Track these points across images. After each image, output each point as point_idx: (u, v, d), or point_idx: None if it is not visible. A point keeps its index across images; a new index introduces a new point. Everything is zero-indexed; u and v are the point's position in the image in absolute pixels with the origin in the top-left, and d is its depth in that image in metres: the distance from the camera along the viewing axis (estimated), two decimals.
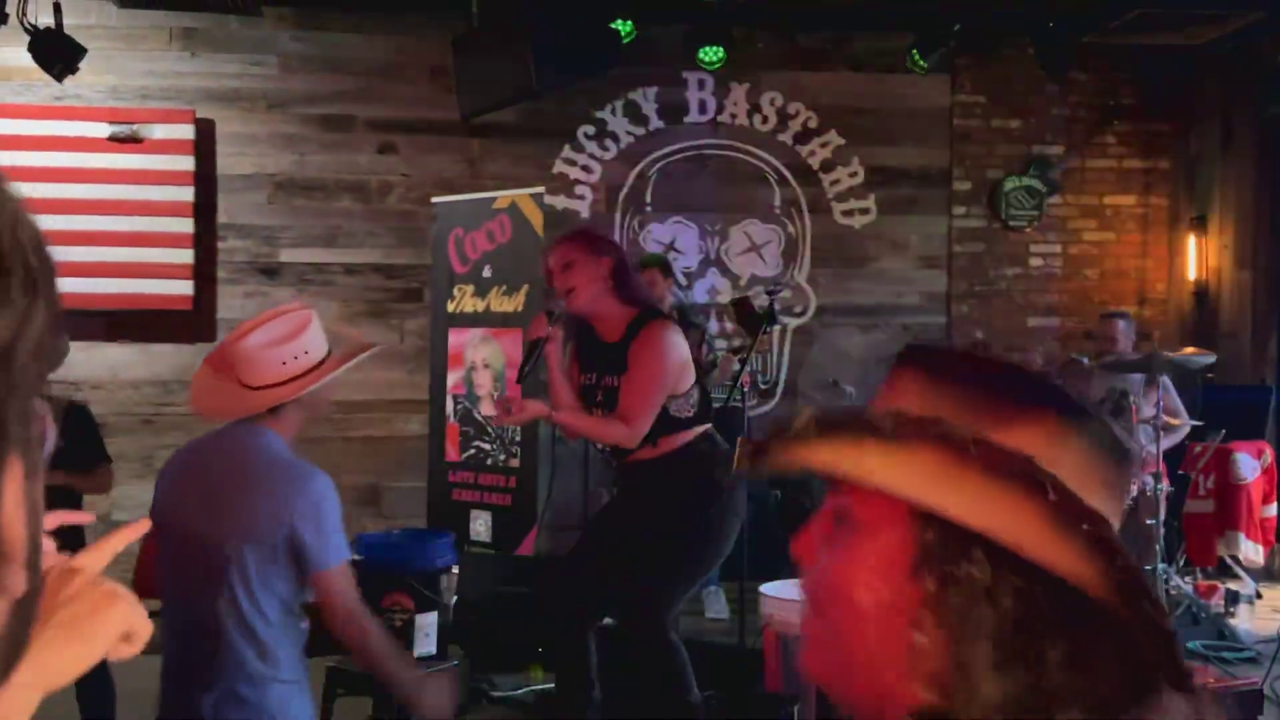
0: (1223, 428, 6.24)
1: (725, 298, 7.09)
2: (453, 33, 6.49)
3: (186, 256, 6.68)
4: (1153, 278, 7.73)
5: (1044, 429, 0.81)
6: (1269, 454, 6.36)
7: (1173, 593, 5.66)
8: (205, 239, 6.81)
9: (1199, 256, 7.41)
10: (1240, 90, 7.17)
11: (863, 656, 0.85)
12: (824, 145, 7.40)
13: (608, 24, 6.09)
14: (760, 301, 5.34)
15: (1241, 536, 6.20)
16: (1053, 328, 7.60)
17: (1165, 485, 5.72)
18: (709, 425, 3.83)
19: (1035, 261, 7.60)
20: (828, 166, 7.41)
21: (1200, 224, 7.41)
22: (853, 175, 7.43)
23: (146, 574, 2.70)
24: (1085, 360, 6.73)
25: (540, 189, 6.29)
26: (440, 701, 2.62)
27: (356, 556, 4.19)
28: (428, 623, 4.09)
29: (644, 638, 3.68)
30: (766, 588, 3.78)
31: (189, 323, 6.79)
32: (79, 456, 4.79)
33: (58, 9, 5.86)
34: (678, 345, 3.72)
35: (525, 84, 5.78)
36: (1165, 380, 5.83)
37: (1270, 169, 7.00)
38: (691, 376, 3.77)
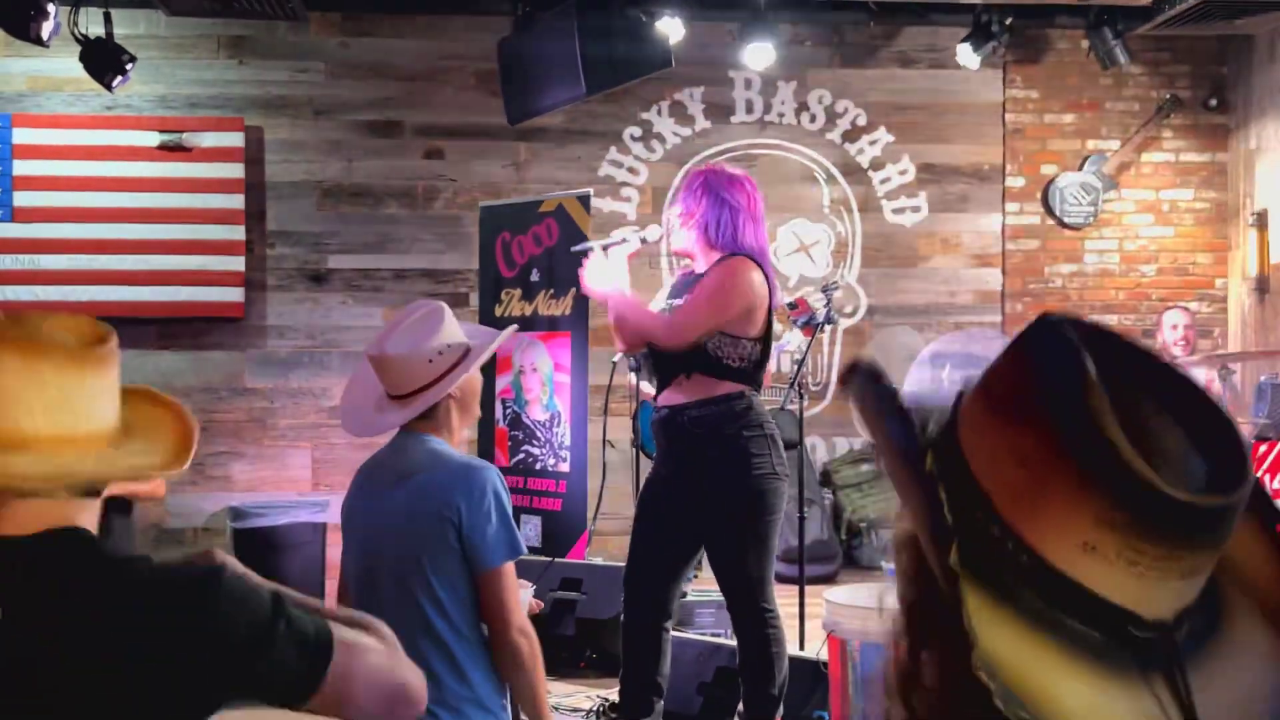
0: None
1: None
2: (499, 36, 6.47)
3: (237, 264, 6.71)
4: (1212, 274, 7.57)
5: None
6: None
7: None
8: (255, 246, 6.83)
9: (1260, 251, 7.24)
10: None
11: None
12: (873, 143, 7.31)
13: (655, 25, 6.04)
14: (816, 300, 5.27)
15: None
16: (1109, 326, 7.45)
17: None
18: (753, 390, 3.67)
19: (1091, 258, 7.46)
20: (877, 164, 7.32)
21: (1261, 218, 7.25)
22: (903, 173, 7.33)
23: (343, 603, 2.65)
24: None
25: (587, 191, 6.25)
26: None
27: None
28: None
29: (750, 615, 3.62)
30: (832, 594, 3.69)
31: (240, 330, 6.81)
32: None
33: (108, 18, 5.89)
34: (752, 283, 3.61)
35: (573, 87, 5.75)
36: (1233, 379, 5.69)
37: None
38: (756, 327, 3.64)
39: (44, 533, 1.29)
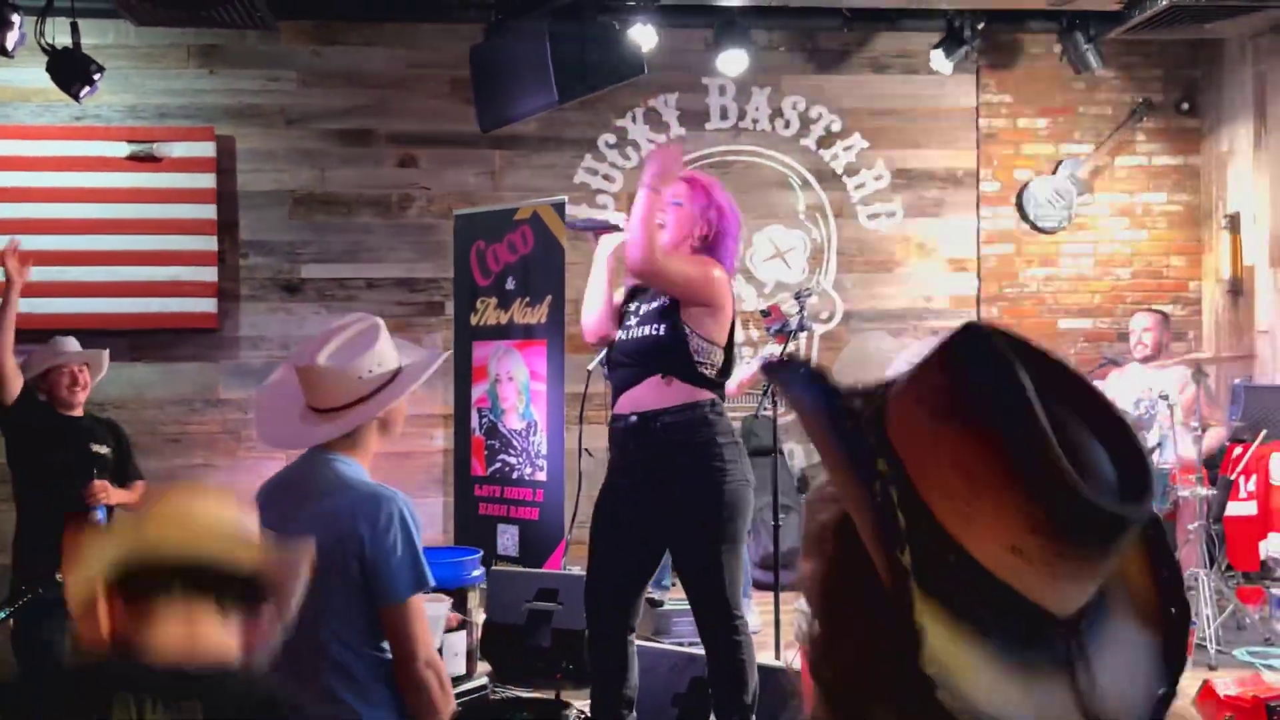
0: (1263, 428, 6.09)
1: (750, 305, 7.01)
2: (471, 44, 6.44)
3: (209, 274, 6.66)
4: (1185, 276, 7.60)
5: None
6: None
7: (1216, 598, 5.53)
8: (228, 256, 6.78)
9: (1233, 253, 7.27)
10: (1273, 83, 7.03)
11: None
12: (848, 149, 7.31)
13: (627, 32, 6.02)
14: (789, 307, 5.25)
15: None
16: (1085, 329, 7.48)
17: (1205, 489, 5.60)
18: (719, 398, 3.67)
19: (1066, 262, 7.48)
20: (852, 170, 7.32)
21: (1233, 221, 7.28)
22: (878, 178, 7.34)
23: None
24: (1120, 361, 6.61)
25: (562, 199, 6.23)
26: None
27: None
28: (456, 641, 4.02)
29: (722, 624, 3.58)
30: (804, 603, 3.67)
31: (213, 341, 6.76)
32: (120, 473, 4.84)
33: (75, 28, 5.84)
34: (728, 284, 3.66)
35: (546, 94, 5.72)
36: (1206, 380, 5.70)
37: None
38: (724, 334, 3.66)
39: (217, 672, 1.61)
